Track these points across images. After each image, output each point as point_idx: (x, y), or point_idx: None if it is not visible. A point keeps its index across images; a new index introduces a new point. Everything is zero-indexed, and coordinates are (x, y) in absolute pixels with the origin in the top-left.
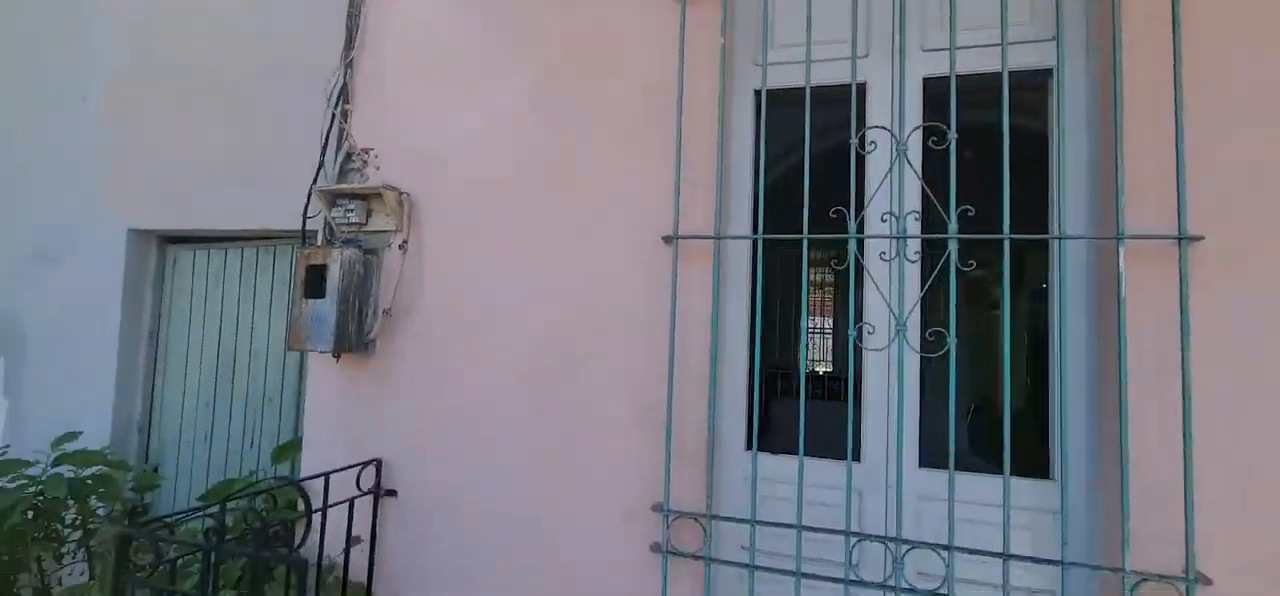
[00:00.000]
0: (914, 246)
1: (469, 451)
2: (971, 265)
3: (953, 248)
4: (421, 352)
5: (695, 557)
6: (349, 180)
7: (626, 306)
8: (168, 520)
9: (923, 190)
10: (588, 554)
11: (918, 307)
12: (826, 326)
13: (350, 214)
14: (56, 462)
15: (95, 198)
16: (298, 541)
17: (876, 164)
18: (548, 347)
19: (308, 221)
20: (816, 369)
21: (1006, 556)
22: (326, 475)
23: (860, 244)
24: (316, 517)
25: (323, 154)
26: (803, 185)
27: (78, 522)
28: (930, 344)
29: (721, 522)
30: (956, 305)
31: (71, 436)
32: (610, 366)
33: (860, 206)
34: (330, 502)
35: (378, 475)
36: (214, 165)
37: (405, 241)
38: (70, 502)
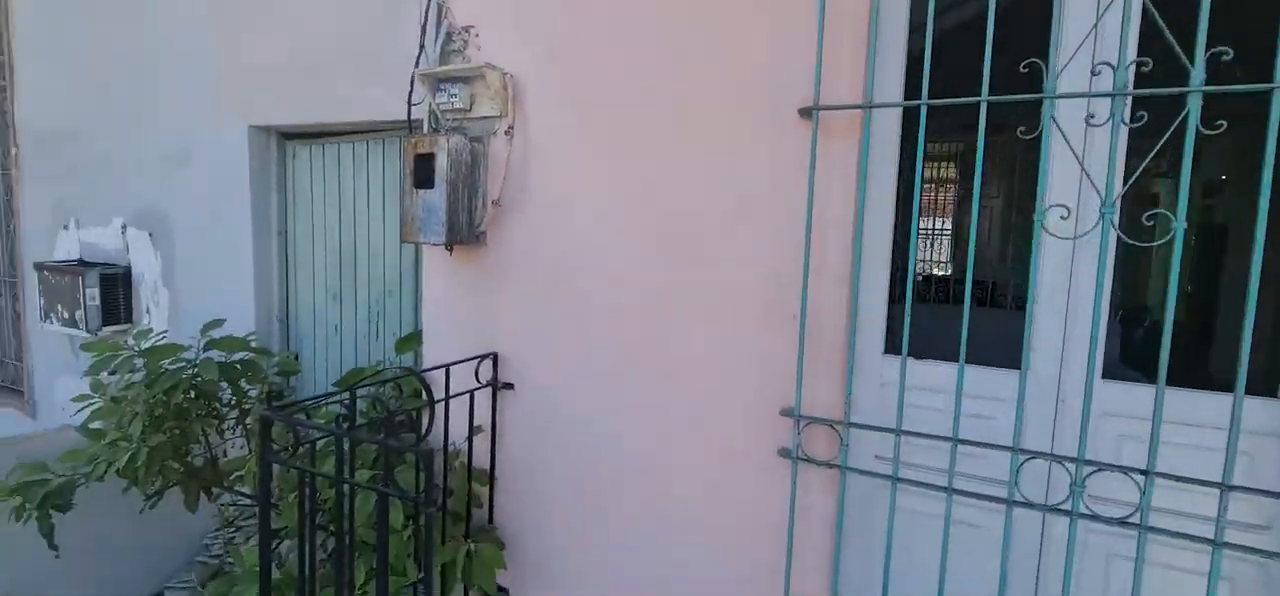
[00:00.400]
0: (1129, 107)
1: (583, 344)
2: (1221, 127)
3: (1193, 104)
4: (532, 243)
5: (830, 466)
6: (450, 62)
7: (755, 189)
8: (304, 404)
9: (1147, 25)
10: (708, 454)
11: (1112, 192)
12: (946, 226)
13: (454, 99)
14: (206, 348)
15: (217, 95)
16: (423, 429)
17: (1077, 8)
18: (665, 237)
19: (413, 108)
20: (935, 272)
21: (1226, 487)
22: (447, 367)
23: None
24: (440, 408)
25: (423, 34)
26: (962, 47)
27: (233, 402)
28: (1146, 230)
29: (853, 430)
30: (1186, 183)
31: (217, 324)
32: (736, 257)
33: (1055, 59)
34: (451, 394)
35: (495, 368)
36: (319, 57)
37: (511, 127)
38: (223, 384)
